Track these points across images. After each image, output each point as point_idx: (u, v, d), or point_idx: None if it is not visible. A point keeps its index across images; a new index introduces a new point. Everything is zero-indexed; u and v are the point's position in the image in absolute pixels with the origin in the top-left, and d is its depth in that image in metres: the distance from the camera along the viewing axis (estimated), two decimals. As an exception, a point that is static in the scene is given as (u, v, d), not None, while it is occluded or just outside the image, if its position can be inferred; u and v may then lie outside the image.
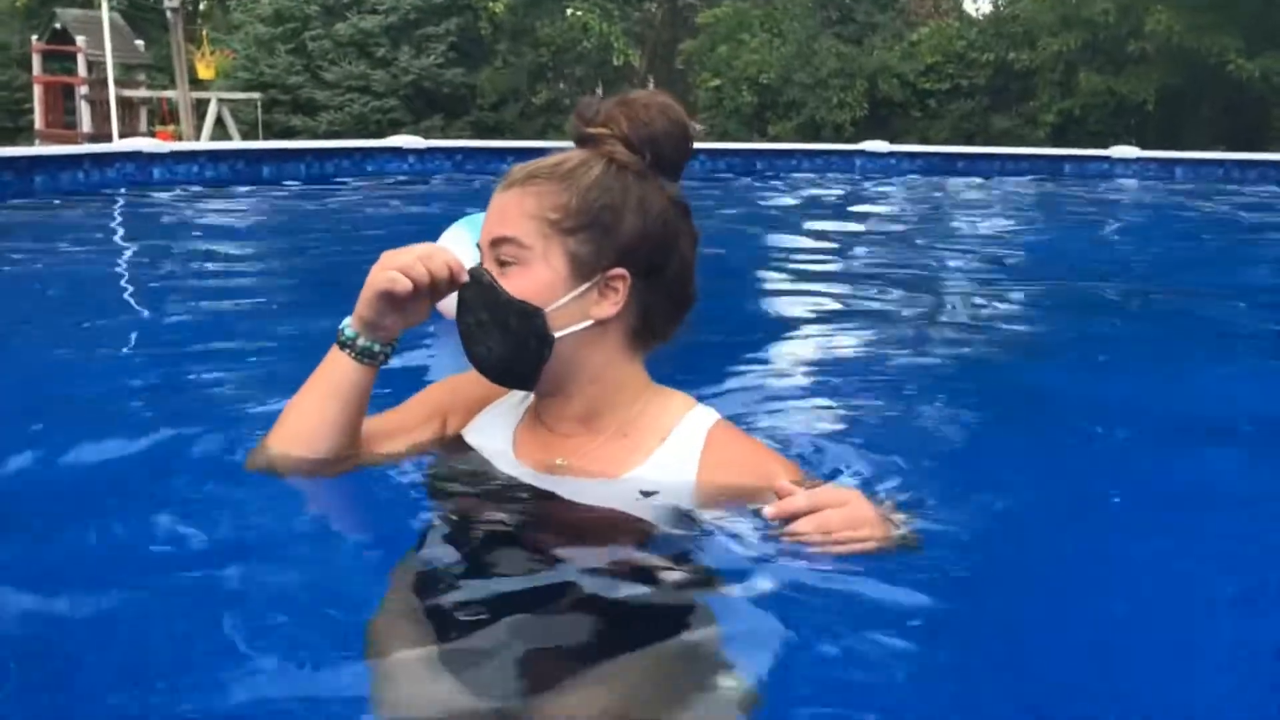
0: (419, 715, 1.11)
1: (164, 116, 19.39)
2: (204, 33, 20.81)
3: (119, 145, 8.06)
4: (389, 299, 1.38)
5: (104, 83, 19.96)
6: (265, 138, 18.91)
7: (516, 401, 1.53)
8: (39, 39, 20.63)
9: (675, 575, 1.32)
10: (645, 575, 1.33)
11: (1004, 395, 2.67)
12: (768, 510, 1.24)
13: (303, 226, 6.16)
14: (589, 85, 23.32)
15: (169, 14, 15.71)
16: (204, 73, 20.06)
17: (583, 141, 1.42)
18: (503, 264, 1.36)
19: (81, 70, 19.93)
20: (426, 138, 10.39)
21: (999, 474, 1.95)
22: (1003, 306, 4.09)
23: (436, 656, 1.16)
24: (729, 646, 1.21)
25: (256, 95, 20.07)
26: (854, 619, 1.27)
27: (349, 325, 1.43)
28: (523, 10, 20.93)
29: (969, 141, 18.59)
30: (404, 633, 1.21)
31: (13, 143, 18.58)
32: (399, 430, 1.52)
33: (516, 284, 1.35)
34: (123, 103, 19.46)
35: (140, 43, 21.03)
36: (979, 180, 11.36)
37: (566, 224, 1.35)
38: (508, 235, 1.35)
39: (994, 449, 2.19)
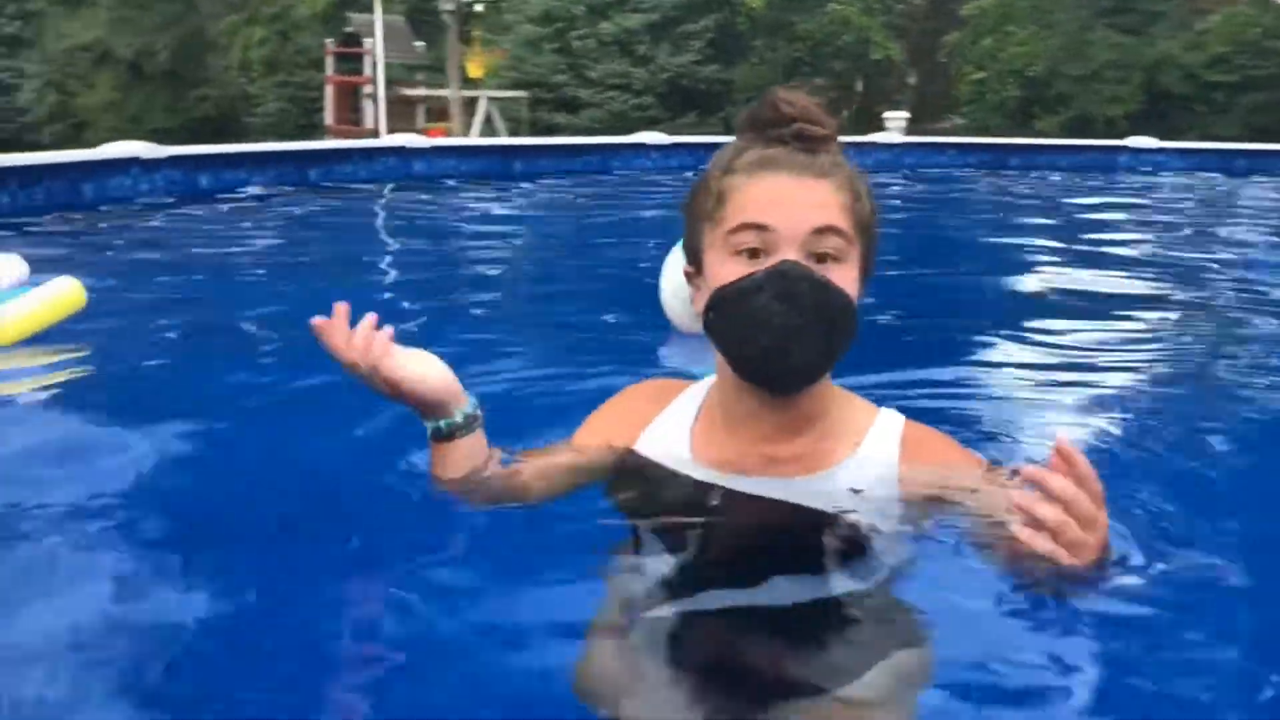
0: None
1: (438, 114, 20.56)
2: (477, 34, 21.92)
3: (385, 141, 8.68)
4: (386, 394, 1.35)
5: (388, 83, 21.49)
6: (529, 134, 19.75)
7: (683, 414, 1.46)
8: (332, 42, 22.37)
9: (883, 574, 1.29)
10: (854, 574, 1.30)
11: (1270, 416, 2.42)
12: (1026, 469, 1.11)
13: (550, 218, 6.43)
14: (848, 79, 23.04)
15: (445, 16, 16.65)
16: (475, 72, 21.17)
17: (802, 138, 1.29)
18: (823, 258, 1.26)
19: (367, 70, 21.45)
20: (678, 134, 10.56)
21: (1243, 502, 1.75)
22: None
23: (652, 669, 1.15)
24: (938, 650, 1.18)
25: (523, 93, 21.00)
26: (1060, 627, 1.19)
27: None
28: (781, 5, 20.92)
29: (1261, 138, 17.11)
30: (617, 644, 1.20)
31: (308, 138, 20.18)
32: (572, 460, 1.47)
33: (843, 279, 1.27)
34: (401, 101, 20.87)
35: (421, 44, 22.40)
36: (1264, 179, 10.36)
37: (865, 221, 1.31)
38: (837, 226, 1.26)
39: (1246, 475, 1.96)
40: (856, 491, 1.33)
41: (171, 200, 5.71)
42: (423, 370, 1.34)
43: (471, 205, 6.78)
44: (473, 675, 1.15)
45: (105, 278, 3.77)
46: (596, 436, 1.49)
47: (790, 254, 1.24)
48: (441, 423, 1.36)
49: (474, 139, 15.24)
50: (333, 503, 1.57)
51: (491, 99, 20.14)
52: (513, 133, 19.83)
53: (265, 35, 27.70)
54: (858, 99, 22.69)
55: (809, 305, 1.24)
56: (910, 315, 3.22)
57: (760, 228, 1.25)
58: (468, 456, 1.38)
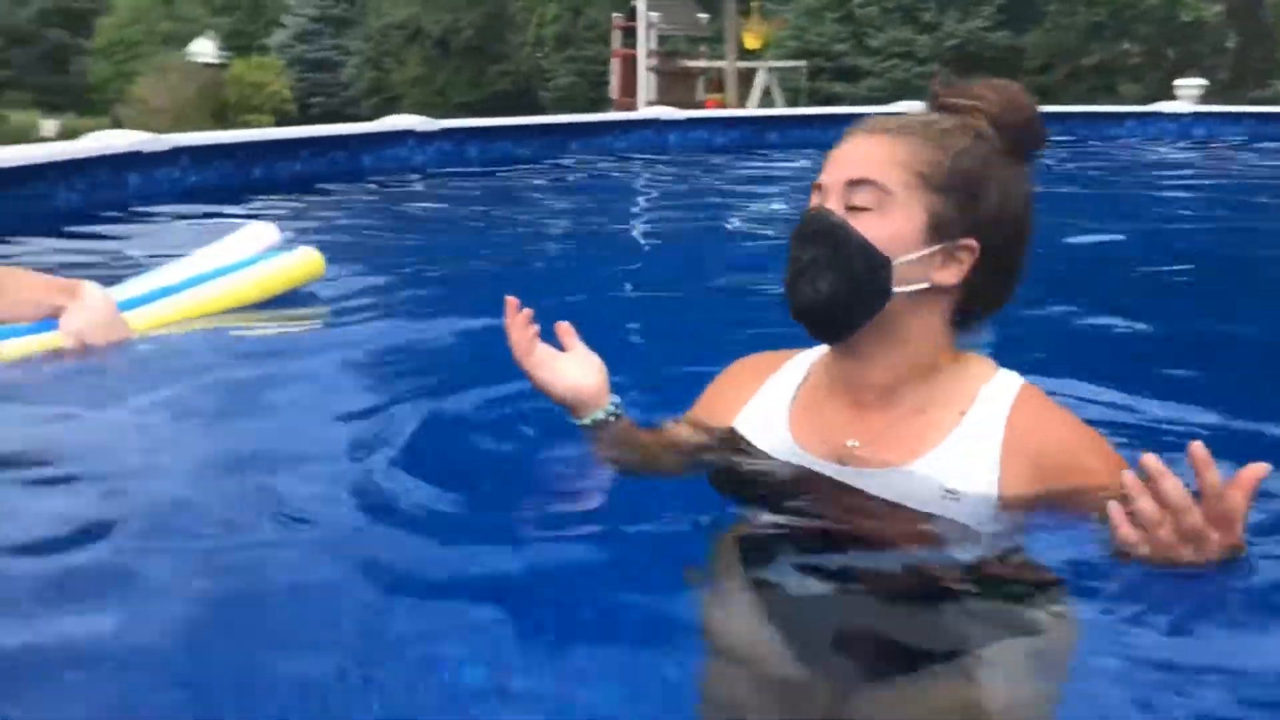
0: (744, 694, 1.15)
1: (718, 86, 20.78)
2: (756, 4, 21.95)
3: (641, 113, 8.91)
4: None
5: (669, 55, 21.94)
6: (808, 104, 19.64)
7: (788, 377, 1.48)
8: (619, 17, 23.05)
9: (993, 551, 1.26)
10: (948, 570, 1.27)
11: None
12: (1148, 458, 1.07)
13: (799, 189, 6.44)
14: (1155, 44, 21.41)
15: (724, -12, 16.80)
16: (751, 43, 21.19)
17: (946, 110, 1.34)
18: (853, 209, 1.29)
19: (651, 44, 21.97)
20: None
21: None
22: None
23: (761, 641, 1.19)
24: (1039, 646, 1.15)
25: (802, 63, 20.89)
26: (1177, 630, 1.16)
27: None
28: (1082, -34, 19.73)
29: None
30: (733, 615, 1.25)
31: (595, 110, 20.93)
32: (687, 436, 1.53)
33: (870, 228, 1.28)
34: (682, 73, 21.27)
35: (704, 16, 22.68)
36: None
37: (936, 180, 1.29)
38: (871, 178, 1.28)
39: None
40: (951, 493, 1.28)
41: (441, 170, 6.15)
42: (561, 374, 1.49)
43: (719, 176, 6.88)
44: (606, 625, 1.22)
45: (366, 239, 4.16)
46: (703, 412, 1.53)
47: (829, 204, 1.30)
48: (575, 420, 1.50)
49: (739, 110, 15.34)
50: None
51: (770, 69, 20.15)
52: (791, 103, 19.77)
53: (558, 11, 28.91)
54: (1168, 65, 21.03)
55: (815, 243, 1.29)
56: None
57: (817, 186, 1.33)
58: (607, 444, 1.51)
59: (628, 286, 3.50)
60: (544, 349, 1.50)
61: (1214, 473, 1.05)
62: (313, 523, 1.45)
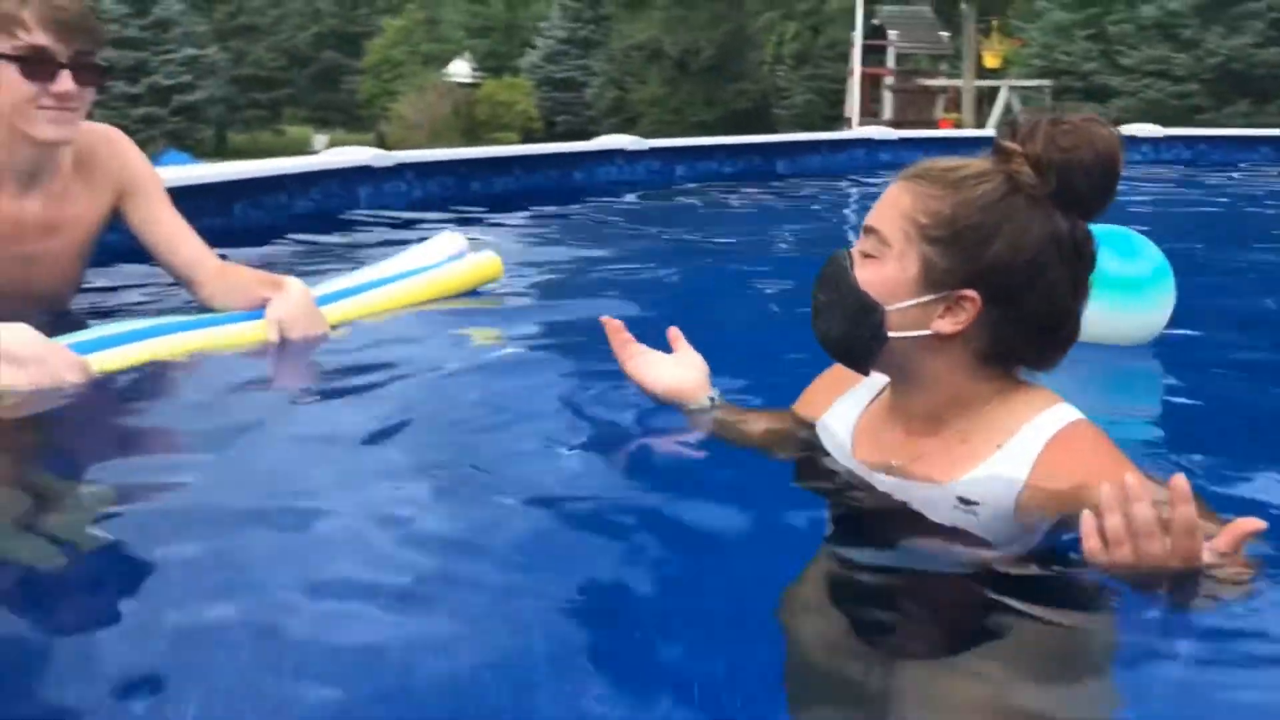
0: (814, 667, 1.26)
1: (955, 104, 20.38)
2: (995, 22, 21.35)
3: (852, 133, 8.86)
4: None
5: (907, 73, 21.70)
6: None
7: (865, 391, 1.58)
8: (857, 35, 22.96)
9: (995, 579, 1.32)
10: (976, 578, 1.35)
11: None
12: (1177, 480, 1.09)
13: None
14: None
15: (964, 6, 16.48)
16: (990, 61, 20.67)
17: (997, 151, 1.37)
18: (865, 254, 1.38)
19: (890, 62, 21.78)
20: (1229, 125, 9.48)
21: None
22: None
23: (826, 628, 1.30)
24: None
25: (1047, 82, 20.16)
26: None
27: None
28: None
29: None
30: (808, 604, 1.37)
31: (831, 129, 20.86)
32: (782, 425, 1.69)
33: (866, 275, 1.37)
34: (921, 91, 20.98)
35: (945, 34, 22.28)
36: None
37: (932, 232, 1.34)
38: (874, 227, 1.38)
39: None
40: (967, 504, 1.35)
41: (648, 187, 6.39)
42: (658, 376, 1.72)
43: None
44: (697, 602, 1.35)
45: (558, 246, 4.42)
46: (802, 406, 1.68)
47: (859, 245, 1.41)
48: (678, 409, 1.73)
49: (955, 129, 14.98)
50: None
51: (1012, 88, 19.56)
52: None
53: (798, 30, 29.00)
54: None
55: (822, 286, 1.43)
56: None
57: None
58: (704, 426, 1.72)
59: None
60: (645, 356, 1.73)
61: (1188, 509, 1.08)
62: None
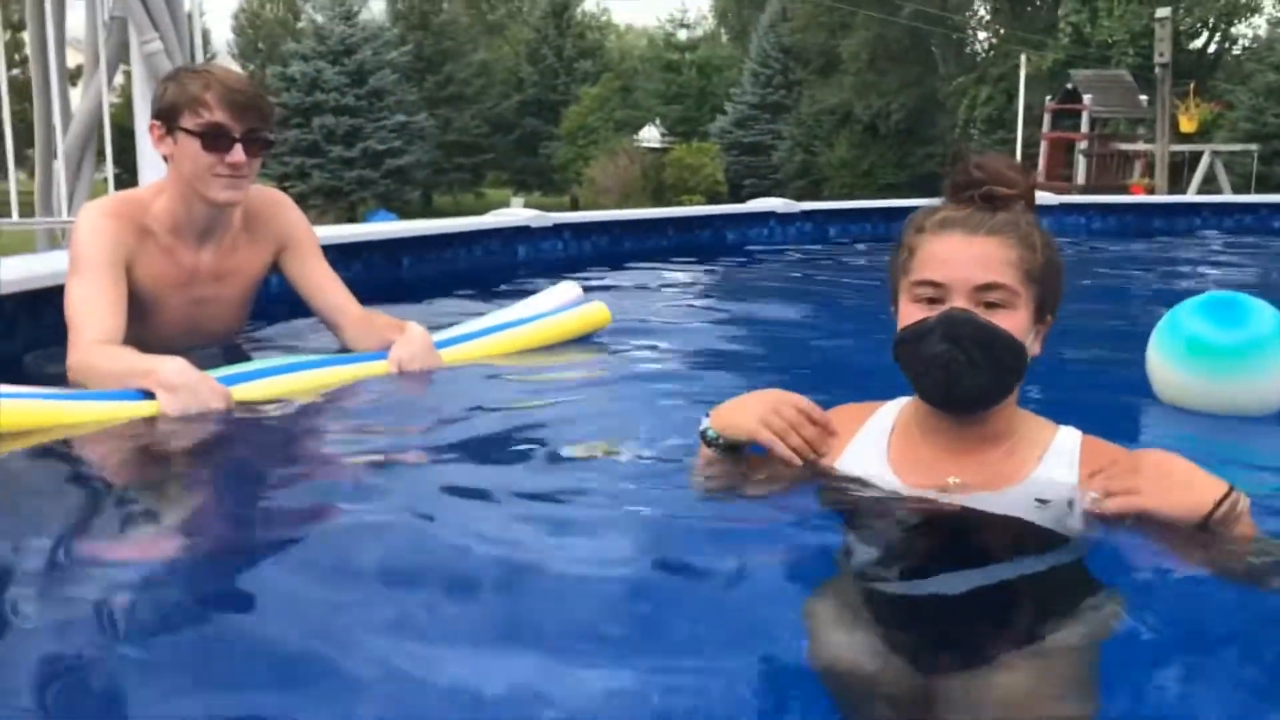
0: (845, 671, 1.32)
1: (1149, 169, 19.68)
2: (1192, 86, 20.52)
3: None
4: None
5: (1104, 138, 21.07)
6: (1258, 191, 18.04)
7: (876, 431, 1.72)
8: (1052, 99, 22.48)
9: (1067, 576, 1.48)
10: (1043, 576, 1.48)
11: None
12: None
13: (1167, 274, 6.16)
14: None
15: (1157, 69, 16.02)
16: (1186, 126, 19.83)
17: (991, 199, 1.55)
18: (990, 306, 1.51)
19: (1084, 126, 21.21)
20: None
21: None
22: None
23: (861, 638, 1.35)
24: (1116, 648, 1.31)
25: (1253, 146, 19.24)
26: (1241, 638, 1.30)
27: (710, 428, 1.80)
28: None
29: None
30: (838, 617, 1.43)
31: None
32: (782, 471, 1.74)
33: (1008, 324, 1.51)
34: (1118, 155, 20.34)
35: (1144, 98, 21.56)
36: None
37: (1035, 274, 1.53)
38: (999, 282, 1.50)
39: None
40: (1043, 502, 1.54)
41: (799, 248, 6.55)
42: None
43: (1093, 261, 6.69)
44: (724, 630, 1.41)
45: (691, 300, 4.67)
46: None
47: (959, 303, 1.51)
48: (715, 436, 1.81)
49: (1168, 196, 14.45)
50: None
51: (1216, 152, 18.75)
52: (1237, 189, 18.26)
53: (991, 94, 28.62)
54: None
55: (972, 344, 1.51)
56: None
57: (935, 284, 1.53)
58: (732, 461, 1.81)
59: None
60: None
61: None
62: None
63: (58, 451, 2.03)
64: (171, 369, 2.20)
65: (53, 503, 1.80)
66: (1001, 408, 1.58)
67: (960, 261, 1.51)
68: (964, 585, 1.45)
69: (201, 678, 1.21)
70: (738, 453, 1.80)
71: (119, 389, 2.22)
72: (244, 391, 2.32)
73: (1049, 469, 1.56)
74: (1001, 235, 1.52)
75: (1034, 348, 1.58)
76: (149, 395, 2.19)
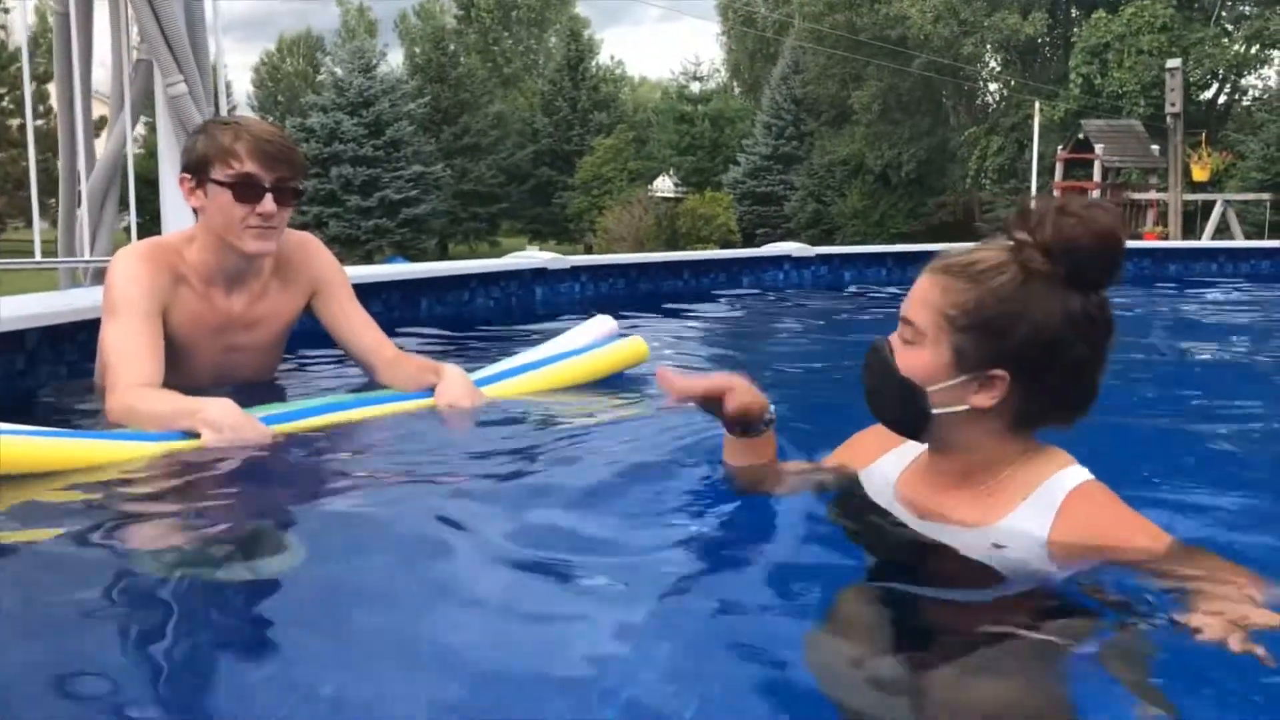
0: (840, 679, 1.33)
1: (1162, 218, 19.71)
2: (1204, 135, 20.61)
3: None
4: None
5: (1116, 187, 21.13)
6: (1270, 239, 18.05)
7: (907, 451, 1.76)
8: (1063, 148, 22.59)
9: (1020, 620, 1.43)
10: (998, 613, 1.46)
11: None
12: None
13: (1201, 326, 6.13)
14: None
15: (1169, 119, 16.10)
16: (1199, 175, 19.90)
17: (1011, 240, 1.53)
18: (905, 341, 1.56)
19: (1095, 176, 21.29)
20: None
21: None
22: None
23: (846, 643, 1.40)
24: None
25: (1266, 196, 19.28)
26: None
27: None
28: None
29: None
30: (845, 624, 1.47)
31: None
32: (812, 470, 1.88)
33: (907, 361, 1.54)
34: (1129, 205, 20.39)
35: (1156, 148, 21.65)
36: None
37: (960, 322, 1.49)
38: (909, 318, 1.55)
39: None
40: (1000, 547, 1.51)
41: (814, 291, 6.59)
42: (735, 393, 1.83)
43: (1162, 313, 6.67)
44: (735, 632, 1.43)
45: (707, 341, 4.69)
46: (844, 454, 1.86)
47: (898, 332, 1.57)
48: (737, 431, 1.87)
49: (1179, 242, 14.45)
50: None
51: (1228, 201, 18.79)
52: (1249, 237, 18.27)
53: (1002, 144, 28.79)
54: None
55: (868, 372, 1.61)
56: None
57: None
58: (765, 453, 1.88)
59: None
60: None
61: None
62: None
63: (84, 483, 2.03)
64: (217, 410, 2.19)
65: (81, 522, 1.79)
66: (971, 449, 1.57)
67: (907, 296, 1.57)
68: (934, 608, 1.48)
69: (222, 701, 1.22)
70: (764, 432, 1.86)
71: (163, 430, 2.20)
72: (286, 429, 2.31)
73: (1021, 518, 1.51)
74: (946, 276, 1.52)
75: (976, 399, 1.52)
76: (191, 435, 2.18)
